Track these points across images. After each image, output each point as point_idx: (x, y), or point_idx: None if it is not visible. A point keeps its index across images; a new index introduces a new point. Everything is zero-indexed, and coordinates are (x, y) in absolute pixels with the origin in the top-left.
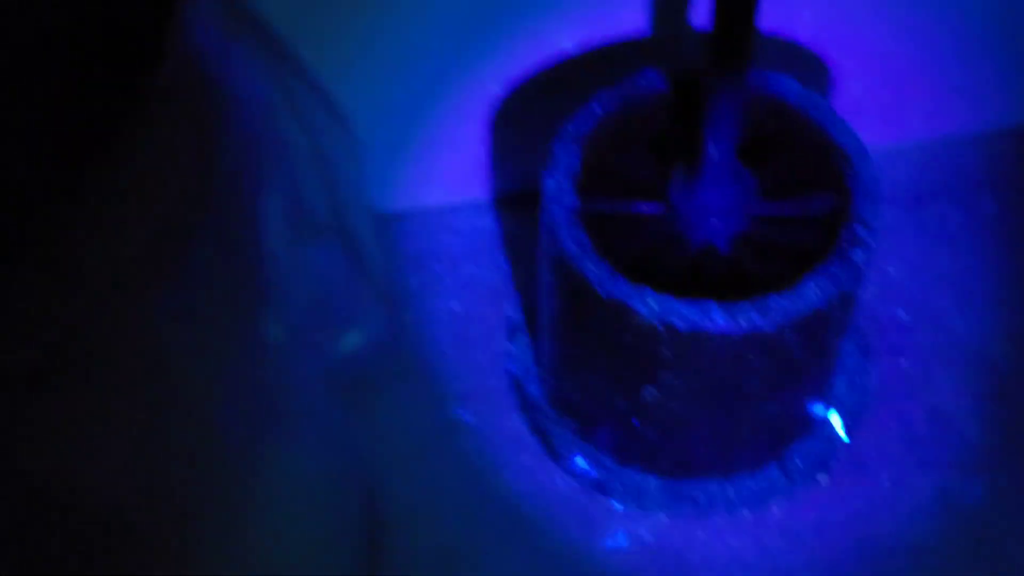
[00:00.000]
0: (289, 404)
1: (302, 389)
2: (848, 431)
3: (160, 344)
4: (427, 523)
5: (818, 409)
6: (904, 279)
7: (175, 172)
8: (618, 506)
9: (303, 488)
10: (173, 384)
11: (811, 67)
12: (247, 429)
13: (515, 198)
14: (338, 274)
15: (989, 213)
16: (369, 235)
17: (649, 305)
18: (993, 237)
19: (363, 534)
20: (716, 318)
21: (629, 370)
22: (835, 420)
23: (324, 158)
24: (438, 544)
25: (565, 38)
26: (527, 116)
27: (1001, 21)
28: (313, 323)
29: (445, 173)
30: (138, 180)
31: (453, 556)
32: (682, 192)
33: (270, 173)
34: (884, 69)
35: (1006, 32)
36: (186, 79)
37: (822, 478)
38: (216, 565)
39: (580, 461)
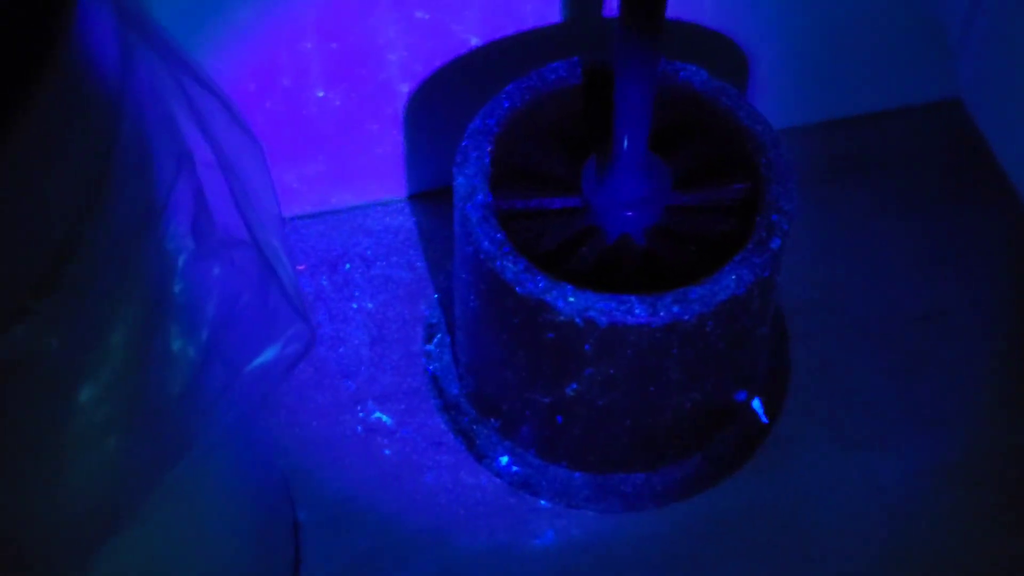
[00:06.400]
0: (202, 420)
1: (216, 405)
2: (769, 416)
3: (50, 362)
4: (348, 528)
5: (740, 397)
6: (815, 260)
7: (63, 182)
8: (545, 504)
9: (218, 505)
10: (67, 405)
11: (718, 51)
12: (156, 450)
13: (428, 195)
14: (251, 288)
15: (896, 191)
16: (282, 245)
17: (568, 301)
18: (903, 212)
19: (284, 543)
20: (636, 311)
21: (551, 367)
22: (757, 406)
23: (229, 166)
24: (360, 548)
25: (472, 33)
26: (437, 112)
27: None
28: (226, 339)
29: (355, 174)
30: (22, 189)
31: (376, 559)
32: (596, 185)
33: (170, 183)
34: (790, 50)
35: (910, 11)
36: (76, 83)
37: (747, 465)
38: None
39: (504, 460)
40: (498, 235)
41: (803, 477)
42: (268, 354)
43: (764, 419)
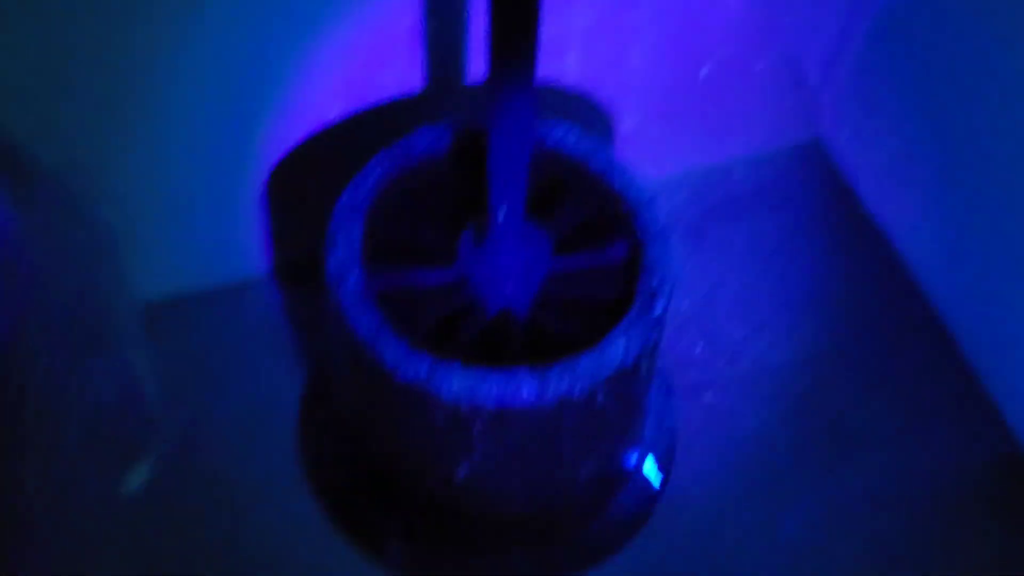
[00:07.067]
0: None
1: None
2: (663, 473)
3: None
4: None
5: (632, 459)
6: (696, 311)
7: None
8: None
9: None
10: None
11: (583, 110)
12: None
13: (300, 268)
14: (114, 395)
15: (767, 235)
16: (139, 342)
17: (452, 386)
18: (775, 255)
19: None
20: (524, 390)
21: (439, 453)
22: (649, 467)
23: (75, 263)
24: None
25: (331, 106)
26: (303, 187)
27: (760, 45)
28: (91, 455)
29: (221, 254)
30: None
31: None
32: (474, 257)
33: (9, 291)
34: (652, 103)
35: (766, 55)
36: None
37: (646, 526)
38: None
39: (393, 548)
40: (373, 319)
41: (703, 533)
42: (137, 473)
43: (657, 481)
